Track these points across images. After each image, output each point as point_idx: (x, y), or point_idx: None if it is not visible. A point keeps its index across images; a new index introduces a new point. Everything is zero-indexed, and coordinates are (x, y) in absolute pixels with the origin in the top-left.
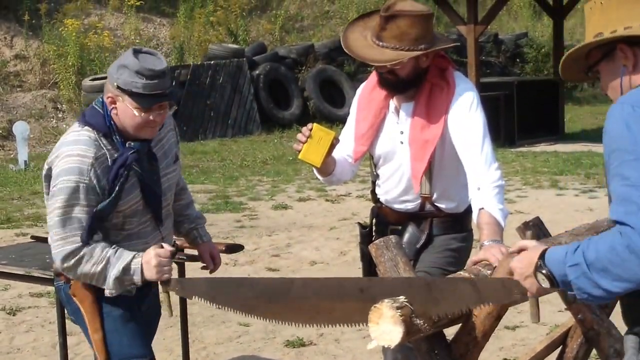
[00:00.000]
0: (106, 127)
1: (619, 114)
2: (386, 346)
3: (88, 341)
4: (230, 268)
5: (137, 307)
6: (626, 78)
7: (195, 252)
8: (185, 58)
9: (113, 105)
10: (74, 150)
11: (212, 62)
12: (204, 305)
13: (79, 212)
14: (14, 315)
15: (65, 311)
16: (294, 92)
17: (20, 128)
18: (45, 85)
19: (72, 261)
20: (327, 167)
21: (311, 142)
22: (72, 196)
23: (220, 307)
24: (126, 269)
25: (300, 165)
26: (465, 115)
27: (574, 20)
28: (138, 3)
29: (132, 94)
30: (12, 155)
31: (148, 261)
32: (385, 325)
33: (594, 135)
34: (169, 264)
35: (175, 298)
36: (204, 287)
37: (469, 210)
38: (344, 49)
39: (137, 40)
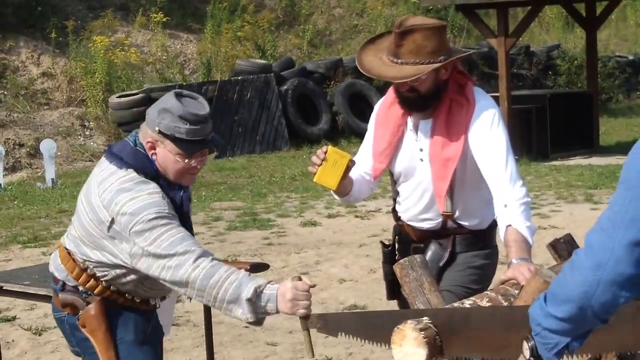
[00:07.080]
0: (153, 171)
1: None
2: None
3: None
4: None
5: (146, 330)
6: None
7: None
8: (212, 74)
9: (153, 151)
10: (137, 193)
11: (239, 77)
12: (230, 324)
13: (179, 232)
14: (39, 336)
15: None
16: (323, 107)
17: (47, 146)
18: (72, 102)
19: (196, 273)
20: (344, 188)
21: (326, 164)
22: (163, 222)
23: (378, 344)
24: (259, 293)
25: None
26: (487, 132)
27: (607, 32)
28: (165, 19)
29: (174, 140)
30: (39, 174)
31: (283, 294)
32: (408, 348)
33: (630, 148)
34: (306, 298)
35: (200, 317)
36: (353, 323)
37: (492, 226)
38: (362, 72)
39: (164, 57)
